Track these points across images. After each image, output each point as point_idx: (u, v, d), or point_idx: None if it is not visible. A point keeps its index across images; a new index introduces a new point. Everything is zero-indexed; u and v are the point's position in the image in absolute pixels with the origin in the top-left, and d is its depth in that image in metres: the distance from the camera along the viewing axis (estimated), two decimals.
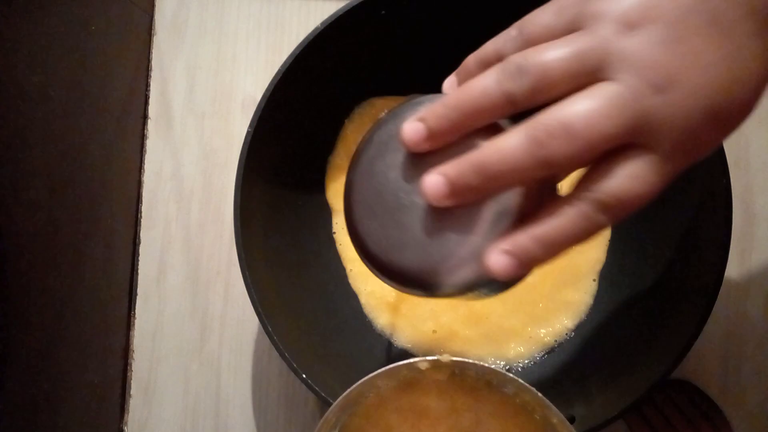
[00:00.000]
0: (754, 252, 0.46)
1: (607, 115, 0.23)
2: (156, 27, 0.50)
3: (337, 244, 0.46)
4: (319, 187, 0.46)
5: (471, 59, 0.28)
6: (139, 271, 0.49)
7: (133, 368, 0.48)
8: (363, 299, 0.46)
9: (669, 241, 0.41)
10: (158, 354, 0.48)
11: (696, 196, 0.39)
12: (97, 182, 0.44)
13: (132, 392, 0.48)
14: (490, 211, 0.26)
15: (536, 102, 0.24)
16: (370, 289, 0.45)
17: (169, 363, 0.48)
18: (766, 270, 0.46)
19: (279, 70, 0.38)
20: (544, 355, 0.44)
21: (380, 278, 0.29)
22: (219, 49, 0.50)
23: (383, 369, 0.34)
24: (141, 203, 0.49)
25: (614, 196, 0.23)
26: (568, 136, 0.23)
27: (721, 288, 0.36)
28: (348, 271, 0.46)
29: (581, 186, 0.24)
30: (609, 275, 0.44)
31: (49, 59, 0.38)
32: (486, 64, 0.26)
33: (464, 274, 0.26)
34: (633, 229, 0.43)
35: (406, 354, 0.45)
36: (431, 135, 0.26)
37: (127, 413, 0.48)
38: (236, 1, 0.50)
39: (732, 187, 0.36)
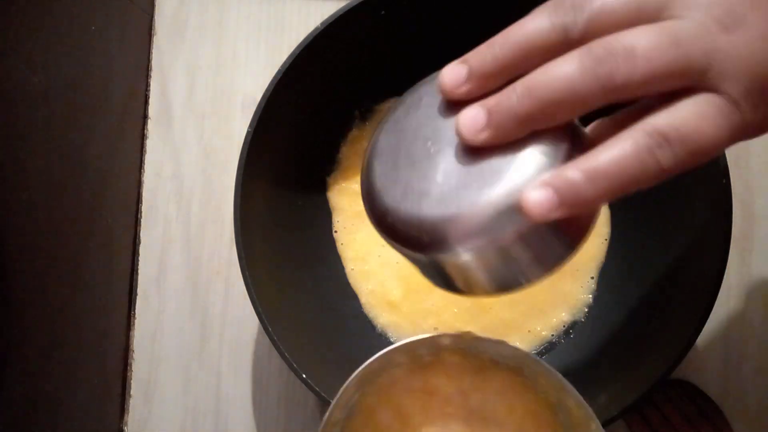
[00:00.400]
0: (754, 252, 0.46)
1: (673, 44, 0.20)
2: (156, 27, 0.50)
3: (338, 244, 0.46)
4: (319, 187, 0.46)
5: (492, 48, 0.24)
6: (139, 271, 0.49)
7: (133, 368, 0.48)
8: (363, 299, 0.46)
9: (668, 241, 0.41)
10: (158, 354, 0.48)
11: (696, 195, 0.39)
12: (97, 182, 0.44)
13: (132, 392, 0.48)
14: (531, 151, 0.22)
15: (589, 40, 0.21)
16: (371, 288, 0.45)
17: (169, 363, 0.48)
18: (766, 270, 0.46)
19: (279, 70, 0.38)
20: (543, 352, 0.44)
21: (392, 242, 0.26)
22: (219, 49, 0.50)
23: (401, 343, 0.32)
24: (141, 203, 0.49)
25: (678, 129, 0.21)
26: (631, 57, 0.20)
27: (721, 288, 0.36)
28: (348, 270, 0.46)
29: (641, 121, 0.21)
30: (608, 275, 0.44)
31: (49, 59, 0.38)
32: (518, 60, 0.23)
33: (491, 224, 0.22)
34: (633, 228, 0.43)
35: None
36: (472, 75, 0.23)
37: (127, 413, 0.48)
38: (236, 1, 0.50)
39: (732, 187, 0.36)
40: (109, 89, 0.45)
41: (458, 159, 0.23)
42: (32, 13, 0.37)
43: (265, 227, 0.41)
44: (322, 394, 0.37)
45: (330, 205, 0.46)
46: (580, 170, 0.21)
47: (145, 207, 0.49)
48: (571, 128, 0.23)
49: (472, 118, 0.22)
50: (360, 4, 0.38)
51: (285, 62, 0.38)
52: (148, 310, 0.48)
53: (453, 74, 0.24)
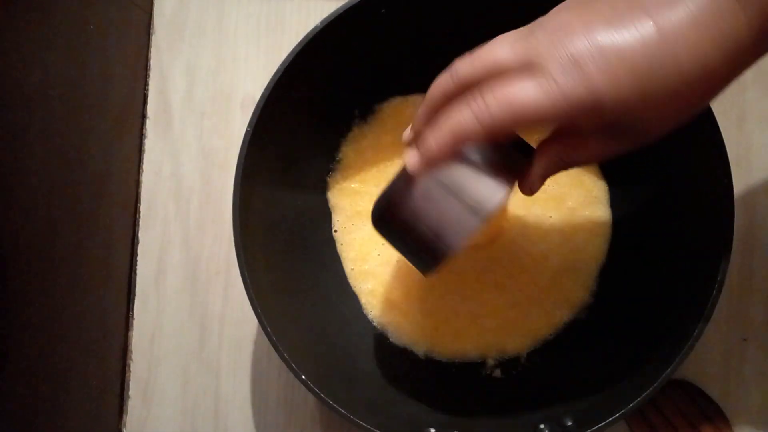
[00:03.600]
0: (756, 252, 0.46)
1: (503, 43, 0.29)
2: (155, 26, 0.50)
3: (338, 244, 0.46)
4: (319, 187, 0.46)
5: (422, 110, 0.33)
6: (137, 271, 0.48)
7: (131, 369, 0.48)
8: (363, 299, 0.45)
9: (670, 241, 0.41)
10: (157, 354, 0.48)
11: (697, 195, 0.39)
12: (96, 182, 0.44)
13: (131, 393, 0.48)
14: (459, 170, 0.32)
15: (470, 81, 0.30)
16: (371, 288, 0.45)
17: (168, 363, 0.48)
18: (766, 270, 0.46)
19: (278, 70, 0.38)
20: (544, 353, 0.44)
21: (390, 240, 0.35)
22: (218, 49, 0.49)
23: None
24: (140, 203, 0.49)
25: (500, 90, 0.28)
26: (472, 58, 0.30)
27: (723, 288, 0.36)
28: (348, 270, 0.46)
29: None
30: (610, 275, 0.44)
31: (47, 58, 0.38)
32: (433, 112, 0.32)
33: (463, 223, 0.32)
34: (634, 229, 0.43)
35: (406, 352, 0.45)
36: (427, 162, 0.30)
37: (126, 414, 0.47)
38: (236, 0, 0.50)
39: (733, 187, 0.36)
40: (107, 89, 0.45)
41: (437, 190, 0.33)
42: (32, 13, 0.37)
43: (264, 227, 0.41)
44: (322, 395, 0.37)
45: (330, 205, 0.46)
46: (430, 129, 0.30)
47: (143, 207, 0.49)
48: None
49: (412, 159, 0.31)
50: (360, 3, 0.37)
51: (284, 62, 0.38)
52: (147, 311, 0.48)
53: (413, 162, 0.31)
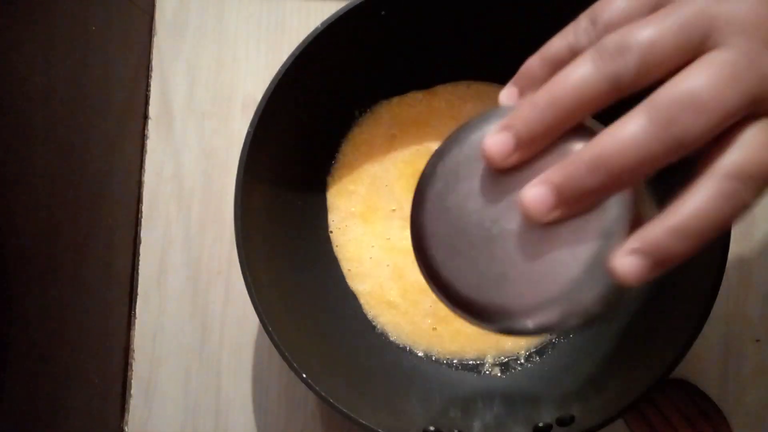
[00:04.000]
0: (754, 252, 0.46)
1: (729, 83, 0.20)
2: (156, 27, 0.50)
3: (334, 246, 0.46)
4: (319, 187, 0.46)
5: (534, 61, 0.24)
6: (139, 271, 0.49)
7: (133, 368, 0.48)
8: (362, 299, 0.46)
9: None
10: (159, 354, 0.48)
11: None
12: (97, 182, 0.44)
13: (132, 392, 0.48)
14: (602, 221, 0.22)
15: (642, 84, 0.21)
16: (368, 289, 0.46)
17: (169, 363, 0.48)
18: (765, 270, 0.46)
19: (279, 70, 0.38)
20: (543, 352, 0.44)
21: (478, 324, 0.25)
22: (219, 49, 0.50)
23: None
24: (141, 203, 0.49)
25: (748, 163, 0.20)
26: (697, 109, 0.20)
27: (721, 288, 0.36)
28: (347, 271, 0.46)
29: (706, 166, 0.21)
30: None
31: (49, 59, 0.38)
32: (556, 64, 0.23)
33: (586, 297, 0.22)
34: None
35: (406, 352, 0.45)
36: (521, 143, 0.22)
37: (128, 413, 0.48)
38: (236, 1, 0.50)
39: None
40: (109, 89, 0.45)
41: (525, 237, 0.23)
42: (32, 13, 0.37)
43: (265, 227, 0.41)
44: (322, 394, 0.37)
45: (327, 204, 0.46)
46: (667, 229, 0.21)
47: (145, 207, 0.49)
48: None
49: (539, 199, 0.22)
50: (360, 4, 0.38)
51: (285, 62, 0.38)
52: (149, 310, 0.48)
53: (499, 145, 0.22)
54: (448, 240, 0.24)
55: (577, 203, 0.22)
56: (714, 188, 0.21)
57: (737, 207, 0.21)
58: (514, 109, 0.23)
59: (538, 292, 0.22)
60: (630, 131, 0.20)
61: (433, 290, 0.26)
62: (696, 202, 0.21)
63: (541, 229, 0.22)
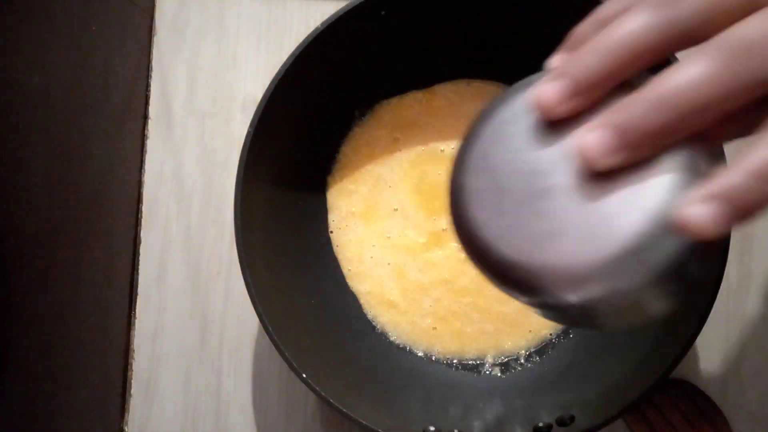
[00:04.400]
0: (754, 252, 0.46)
1: None
2: (156, 27, 0.50)
3: (334, 245, 0.46)
4: (319, 187, 0.46)
5: (586, 25, 0.23)
6: (139, 271, 0.49)
7: (133, 368, 0.48)
8: (362, 299, 0.46)
9: None
10: (158, 354, 0.48)
11: None
12: (97, 182, 0.44)
13: (132, 392, 0.48)
14: (669, 170, 0.19)
15: (702, 33, 0.20)
16: (368, 289, 0.46)
17: (169, 363, 0.48)
18: (765, 270, 0.46)
19: (279, 70, 0.38)
20: (543, 352, 0.44)
21: (517, 295, 0.22)
22: (219, 49, 0.50)
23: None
24: (141, 203, 0.49)
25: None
26: (764, 50, 0.18)
27: (721, 288, 0.36)
28: (347, 271, 0.46)
29: None
30: None
31: (49, 59, 0.38)
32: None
33: (649, 260, 0.19)
34: None
35: (406, 352, 0.45)
36: (578, 88, 0.20)
37: (128, 413, 0.48)
38: (236, 1, 0.50)
39: None
40: (109, 89, 0.45)
41: (579, 189, 0.20)
42: (32, 13, 0.37)
43: (265, 227, 0.41)
44: (322, 394, 0.37)
45: (327, 204, 0.46)
46: (742, 172, 0.18)
47: (145, 207, 0.49)
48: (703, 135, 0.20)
49: (599, 141, 0.20)
50: (360, 4, 0.38)
51: (285, 62, 0.38)
52: (149, 310, 0.48)
53: (554, 89, 0.21)
54: (492, 198, 0.22)
55: (640, 146, 0.20)
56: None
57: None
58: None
59: (593, 248, 0.19)
60: (696, 69, 0.19)
61: (472, 258, 0.23)
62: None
63: (599, 178, 0.20)
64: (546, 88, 0.21)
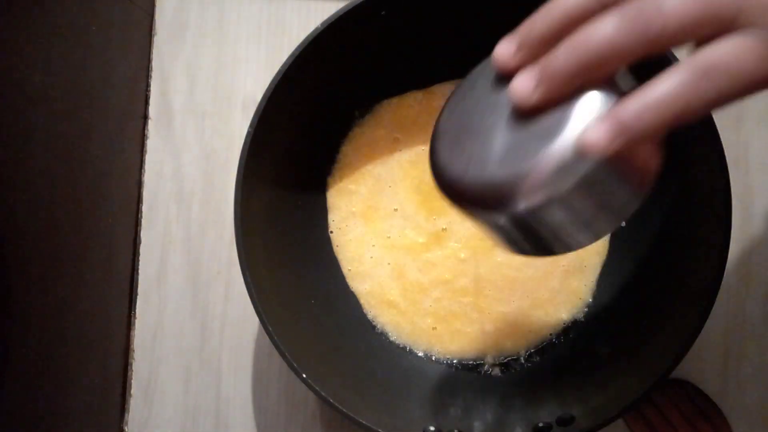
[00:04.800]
0: (754, 252, 0.46)
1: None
2: (156, 27, 0.50)
3: (334, 245, 0.46)
4: (319, 187, 0.46)
5: (540, 17, 0.26)
6: (139, 271, 0.49)
7: (133, 368, 0.48)
8: (362, 299, 0.46)
9: (669, 241, 0.41)
10: (159, 354, 0.48)
11: (696, 195, 0.39)
12: (97, 182, 0.44)
13: (132, 392, 0.48)
14: (582, 104, 0.24)
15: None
16: (368, 289, 0.46)
17: (169, 363, 0.48)
18: (765, 270, 0.46)
19: (279, 70, 0.38)
20: (543, 352, 0.44)
21: (462, 209, 0.27)
22: (219, 49, 0.50)
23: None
24: (141, 203, 0.49)
25: (718, 60, 0.22)
26: (661, 12, 0.22)
27: (721, 288, 0.36)
28: (347, 271, 0.46)
29: (685, 59, 0.23)
30: (609, 274, 0.44)
31: (49, 59, 0.38)
32: (561, 27, 0.25)
33: (556, 174, 0.24)
34: (632, 228, 0.44)
35: (406, 352, 0.45)
36: (522, 44, 0.25)
37: (128, 413, 0.48)
38: (237, 1, 0.50)
39: (731, 187, 0.36)
40: (109, 89, 0.45)
41: (515, 123, 0.25)
42: (32, 13, 0.37)
43: (265, 227, 0.41)
44: (322, 394, 0.37)
45: (327, 205, 0.46)
46: (632, 103, 0.22)
47: (145, 207, 0.49)
48: (617, 79, 0.24)
49: (524, 80, 0.24)
50: (360, 4, 0.38)
51: (285, 62, 0.38)
52: (149, 310, 0.48)
53: (505, 47, 0.26)
54: (454, 132, 0.28)
55: (555, 84, 0.24)
56: (681, 75, 0.22)
57: (699, 97, 0.22)
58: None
59: (527, 166, 0.24)
60: (600, 26, 0.23)
61: (441, 188, 0.28)
62: (663, 84, 0.23)
63: (528, 117, 0.25)
64: (500, 46, 0.26)
